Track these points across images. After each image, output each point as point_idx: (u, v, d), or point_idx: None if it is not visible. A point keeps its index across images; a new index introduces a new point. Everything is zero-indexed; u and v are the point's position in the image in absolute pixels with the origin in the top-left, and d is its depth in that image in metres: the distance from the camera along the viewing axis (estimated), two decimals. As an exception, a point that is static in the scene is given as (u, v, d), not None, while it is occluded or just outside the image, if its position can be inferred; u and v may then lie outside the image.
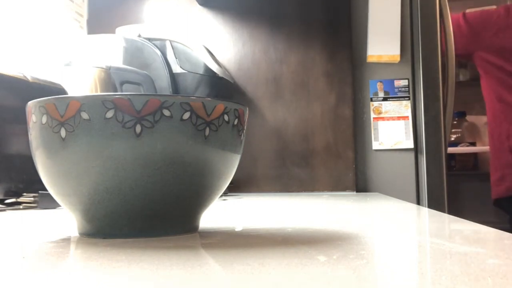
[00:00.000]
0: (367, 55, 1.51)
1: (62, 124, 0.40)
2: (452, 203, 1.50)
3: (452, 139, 2.51)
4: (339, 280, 0.25)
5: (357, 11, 1.55)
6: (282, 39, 1.56)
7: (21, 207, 0.84)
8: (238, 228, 0.51)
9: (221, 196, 1.27)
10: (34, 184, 0.89)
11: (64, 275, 0.28)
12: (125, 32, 1.43)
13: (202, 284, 0.25)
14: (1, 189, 0.87)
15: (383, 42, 1.50)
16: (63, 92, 1.03)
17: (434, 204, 1.44)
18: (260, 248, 0.36)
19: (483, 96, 1.88)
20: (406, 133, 1.49)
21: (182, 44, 1.40)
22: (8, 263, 0.32)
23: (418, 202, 1.48)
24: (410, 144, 1.49)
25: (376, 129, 1.51)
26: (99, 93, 1.12)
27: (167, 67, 1.36)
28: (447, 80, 1.55)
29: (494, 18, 1.80)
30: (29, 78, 0.95)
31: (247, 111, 0.47)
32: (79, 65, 1.16)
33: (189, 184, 0.42)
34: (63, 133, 0.40)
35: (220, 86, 1.45)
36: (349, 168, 1.50)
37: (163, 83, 1.34)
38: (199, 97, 0.41)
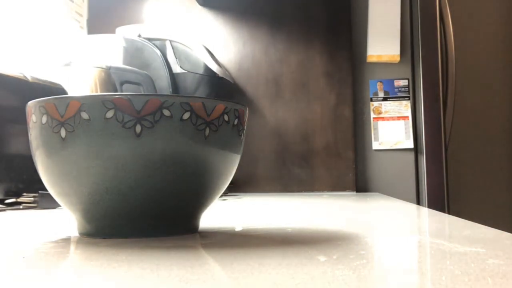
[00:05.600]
0: (367, 55, 1.51)
1: (62, 124, 0.40)
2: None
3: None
4: (339, 280, 0.25)
5: (357, 11, 1.55)
6: (282, 39, 1.56)
7: (21, 207, 0.84)
8: (238, 228, 0.51)
9: (221, 196, 1.27)
10: (34, 184, 0.89)
11: (64, 275, 0.28)
12: (125, 32, 1.43)
13: (202, 284, 0.25)
14: (1, 189, 0.87)
15: (383, 42, 1.50)
16: (63, 92, 1.03)
17: (434, 204, 1.44)
18: (260, 248, 0.36)
19: None
20: (406, 133, 1.49)
21: (182, 44, 1.40)
22: (8, 263, 0.32)
23: (418, 202, 1.48)
24: (410, 144, 1.49)
25: (376, 129, 1.51)
26: (99, 93, 1.12)
27: (167, 67, 1.36)
28: (447, 80, 1.55)
29: None
30: (29, 78, 0.95)
31: (247, 111, 0.47)
32: (79, 65, 1.16)
33: (189, 184, 0.41)
34: (63, 133, 0.40)
35: (220, 86, 1.45)
36: (349, 168, 1.50)
37: (163, 83, 1.34)
38: (199, 97, 0.41)
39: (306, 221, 0.58)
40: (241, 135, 0.45)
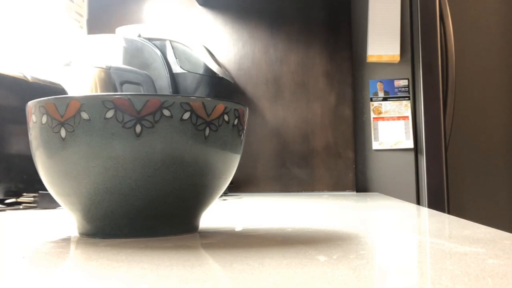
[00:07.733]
0: (367, 55, 1.51)
1: (62, 124, 0.40)
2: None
3: None
4: (339, 280, 0.25)
5: (357, 11, 1.55)
6: (282, 39, 1.56)
7: (21, 207, 0.84)
8: (238, 228, 0.51)
9: (221, 196, 1.27)
10: (34, 184, 0.89)
11: (64, 275, 0.28)
12: (125, 32, 1.43)
13: (202, 284, 0.25)
14: (1, 189, 0.87)
15: (383, 42, 1.50)
16: (63, 92, 1.03)
17: (434, 204, 1.44)
18: (260, 248, 0.36)
19: None
20: (406, 133, 1.49)
21: (182, 44, 1.40)
22: (8, 263, 0.32)
23: (418, 202, 1.48)
24: (410, 144, 1.49)
25: (376, 129, 1.51)
26: (99, 93, 1.12)
27: (167, 67, 1.36)
28: (447, 80, 1.55)
29: None
30: (29, 78, 0.95)
31: (247, 111, 0.47)
32: (79, 65, 1.16)
33: (189, 184, 0.41)
34: (63, 133, 0.40)
35: (220, 86, 1.45)
36: (349, 168, 1.50)
37: (163, 83, 1.34)
38: (199, 97, 0.41)
39: (306, 221, 0.58)
40: (241, 135, 0.45)
